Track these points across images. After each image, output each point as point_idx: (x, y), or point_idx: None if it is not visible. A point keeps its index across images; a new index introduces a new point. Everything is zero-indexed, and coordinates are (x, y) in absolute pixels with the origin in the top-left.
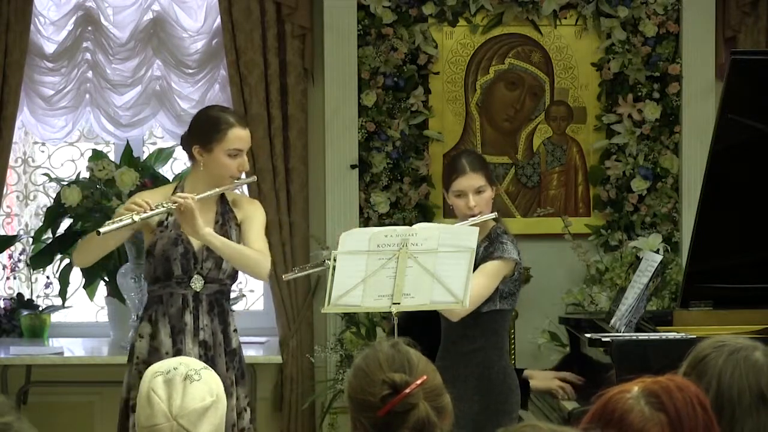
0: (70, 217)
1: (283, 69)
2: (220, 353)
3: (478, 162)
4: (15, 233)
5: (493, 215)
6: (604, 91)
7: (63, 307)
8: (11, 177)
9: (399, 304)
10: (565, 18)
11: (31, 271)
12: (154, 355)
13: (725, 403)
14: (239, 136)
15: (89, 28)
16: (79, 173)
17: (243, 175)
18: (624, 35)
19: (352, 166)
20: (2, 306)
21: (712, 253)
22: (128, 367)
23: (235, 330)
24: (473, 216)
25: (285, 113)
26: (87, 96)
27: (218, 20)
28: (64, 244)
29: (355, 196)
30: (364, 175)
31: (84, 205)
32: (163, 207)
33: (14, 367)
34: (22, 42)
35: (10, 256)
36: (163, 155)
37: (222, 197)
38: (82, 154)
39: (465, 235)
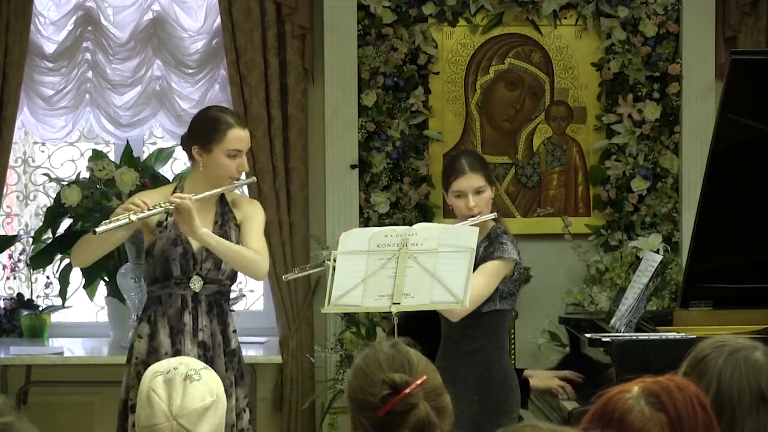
0: (70, 217)
1: (283, 69)
2: (219, 354)
3: (477, 162)
4: (15, 233)
5: (493, 215)
6: (604, 91)
7: (63, 307)
8: (11, 177)
9: (399, 304)
10: (565, 18)
11: (31, 271)
12: (153, 355)
13: (725, 403)
14: (238, 136)
15: (89, 28)
16: (79, 173)
17: (243, 176)
18: (624, 35)
19: (352, 166)
20: (2, 306)
21: (712, 253)
22: (127, 367)
23: (235, 331)
24: (473, 216)
25: (285, 113)
26: (87, 96)
27: (218, 20)
28: (64, 244)
29: (355, 196)
30: (364, 175)
31: (84, 205)
32: (161, 207)
33: (14, 367)
34: (22, 42)
35: (10, 256)
36: (163, 155)
37: (222, 198)
38: (82, 154)
39: (465, 235)
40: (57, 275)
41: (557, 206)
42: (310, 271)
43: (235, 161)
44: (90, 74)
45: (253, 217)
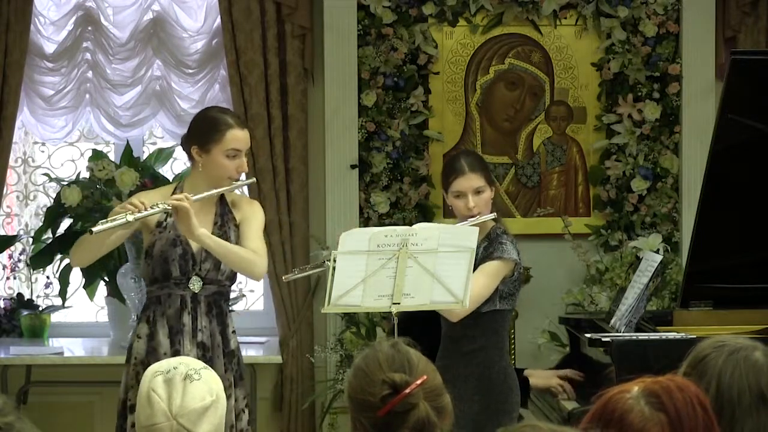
0: (70, 217)
1: (283, 69)
2: (219, 354)
3: (476, 162)
4: (15, 233)
5: (492, 215)
6: (604, 91)
7: (63, 307)
8: (11, 177)
9: (399, 304)
10: (565, 18)
11: (31, 271)
12: (152, 355)
13: (725, 403)
14: (237, 137)
15: (89, 28)
16: (79, 173)
17: (243, 176)
18: (624, 35)
19: (352, 166)
20: (2, 306)
21: (712, 253)
22: (126, 367)
23: (234, 331)
24: (472, 216)
25: (285, 113)
26: (87, 96)
27: (218, 20)
28: (64, 244)
29: (355, 196)
30: (364, 175)
31: (84, 205)
32: (158, 207)
33: (14, 367)
34: (22, 42)
35: (10, 256)
36: (163, 155)
37: (222, 198)
38: (82, 154)
39: (465, 235)
40: (57, 275)
41: (557, 206)
42: (310, 272)
43: (235, 162)
44: (90, 74)
45: (253, 217)
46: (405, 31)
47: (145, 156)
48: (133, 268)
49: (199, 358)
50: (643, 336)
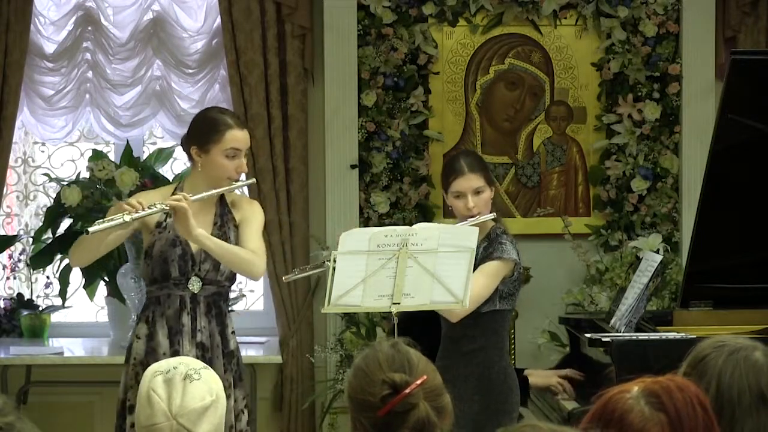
0: (70, 217)
1: (283, 69)
2: (218, 355)
3: (476, 163)
4: (15, 233)
5: (492, 216)
6: (604, 91)
7: (63, 307)
8: (11, 177)
9: (399, 304)
10: (565, 18)
11: (31, 271)
12: (152, 356)
13: (725, 403)
14: (236, 137)
15: (89, 28)
16: (79, 173)
17: (243, 177)
18: (624, 35)
19: (352, 166)
20: (2, 306)
21: (712, 253)
22: (125, 367)
23: (233, 332)
24: (472, 217)
25: (285, 113)
26: (87, 96)
27: (218, 20)
28: (64, 244)
29: (355, 196)
30: (364, 175)
31: (84, 205)
32: (156, 207)
33: (14, 367)
34: (22, 42)
35: (10, 256)
36: (163, 155)
37: (222, 199)
38: (82, 154)
39: (465, 235)
40: (57, 275)
41: (557, 206)
42: (310, 272)
43: (234, 162)
44: (90, 74)
45: (252, 217)
46: (405, 31)
47: (145, 156)
48: (133, 268)
49: (198, 359)
50: (643, 336)
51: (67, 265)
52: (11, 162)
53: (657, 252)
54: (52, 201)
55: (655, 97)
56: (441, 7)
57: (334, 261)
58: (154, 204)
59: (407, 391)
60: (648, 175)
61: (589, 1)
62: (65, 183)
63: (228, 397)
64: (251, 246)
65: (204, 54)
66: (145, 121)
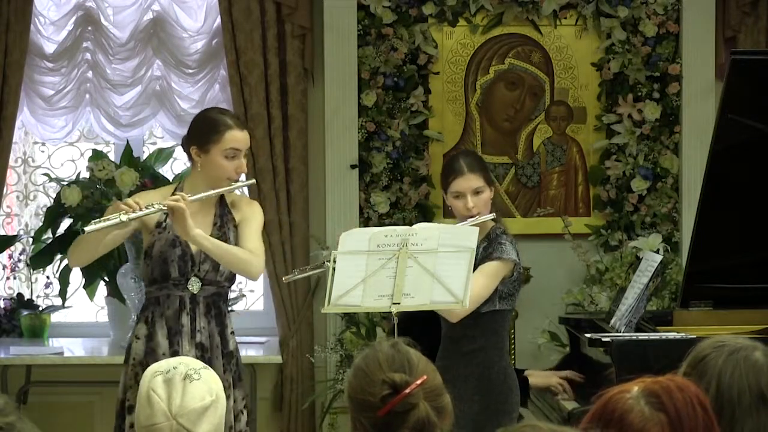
0: (70, 217)
1: (283, 69)
2: (217, 355)
3: (476, 163)
4: (15, 233)
5: (492, 216)
6: (604, 91)
7: (63, 307)
8: (11, 177)
9: (399, 304)
10: (565, 18)
11: (31, 271)
12: (151, 356)
13: (725, 403)
14: (236, 137)
15: (89, 28)
16: (79, 173)
17: (243, 177)
18: (624, 35)
19: (352, 166)
20: (2, 306)
21: (712, 253)
22: (124, 368)
23: (233, 332)
24: (472, 217)
25: (285, 113)
26: (87, 96)
27: (218, 20)
28: (64, 244)
29: (355, 196)
30: (364, 175)
31: (84, 205)
32: (154, 208)
33: (14, 367)
34: (22, 42)
35: (10, 256)
36: (163, 155)
37: (221, 199)
38: (82, 154)
39: (465, 235)
40: (57, 275)
41: (557, 206)
42: (310, 273)
43: (233, 162)
44: (90, 74)
45: (251, 218)
46: (405, 31)
47: (145, 156)
48: (133, 268)
49: (197, 359)
50: (643, 336)
51: (67, 265)
52: (11, 162)
53: (657, 252)
54: (52, 201)
55: (655, 97)
56: (441, 7)
57: (334, 261)
58: (152, 204)
59: (407, 391)
60: (648, 175)
61: (589, 1)
62: (65, 183)
63: (227, 397)
64: (249, 246)
65: (204, 54)
66: (145, 121)
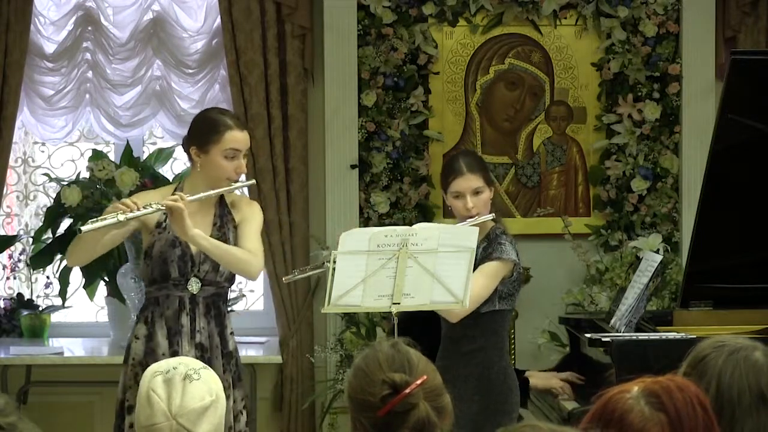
0: (70, 217)
1: (283, 69)
2: (217, 356)
3: (475, 163)
4: (15, 233)
5: (491, 216)
6: (604, 91)
7: (63, 307)
8: (11, 177)
9: (399, 304)
10: (565, 18)
11: (31, 271)
12: (150, 356)
13: (725, 403)
14: (236, 137)
15: (89, 28)
16: (79, 173)
17: (243, 177)
18: (624, 35)
19: (352, 166)
20: (2, 306)
21: (712, 253)
22: (124, 368)
23: (232, 333)
24: (471, 217)
25: (285, 113)
26: (87, 96)
27: (218, 20)
28: (64, 244)
29: (355, 196)
30: (364, 175)
31: (84, 205)
32: (152, 207)
33: (14, 367)
34: (22, 42)
35: (10, 256)
36: (163, 155)
37: (221, 199)
38: (82, 154)
39: (465, 235)
40: (57, 275)
41: (557, 206)
42: (310, 273)
43: (233, 163)
44: (90, 74)
45: (251, 218)
46: (405, 31)
47: (145, 156)
48: (133, 268)
49: (197, 359)
50: (643, 336)
51: (67, 265)
52: (11, 162)
53: (657, 252)
54: (52, 201)
55: (655, 97)
56: (441, 7)
57: (334, 261)
58: (150, 204)
59: (407, 391)
60: (648, 175)
61: (589, 1)
62: (65, 183)
63: (227, 397)
64: (249, 246)
65: (204, 54)
66: (145, 121)
